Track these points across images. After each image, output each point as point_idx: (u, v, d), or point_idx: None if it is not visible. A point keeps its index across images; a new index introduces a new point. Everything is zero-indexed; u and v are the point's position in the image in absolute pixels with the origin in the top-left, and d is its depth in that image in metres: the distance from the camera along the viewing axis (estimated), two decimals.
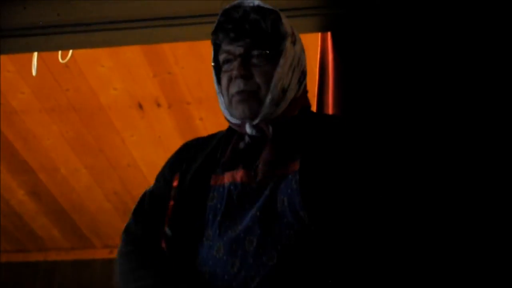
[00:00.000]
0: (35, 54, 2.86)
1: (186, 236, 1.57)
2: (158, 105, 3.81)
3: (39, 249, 4.89)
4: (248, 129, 1.60)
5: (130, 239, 1.65)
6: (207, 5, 2.21)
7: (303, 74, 1.66)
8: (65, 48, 2.67)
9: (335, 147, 1.57)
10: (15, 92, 3.80)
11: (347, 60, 2.12)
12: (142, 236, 1.63)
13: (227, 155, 1.60)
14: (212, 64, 1.66)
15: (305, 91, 1.69)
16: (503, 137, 1.98)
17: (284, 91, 1.59)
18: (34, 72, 2.85)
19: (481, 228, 1.90)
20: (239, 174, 1.57)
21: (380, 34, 2.10)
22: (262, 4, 1.60)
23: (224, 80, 1.62)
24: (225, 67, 1.62)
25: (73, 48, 2.68)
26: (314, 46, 2.25)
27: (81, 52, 3.36)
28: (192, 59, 3.53)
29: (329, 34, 2.18)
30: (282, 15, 1.62)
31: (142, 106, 3.83)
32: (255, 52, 1.58)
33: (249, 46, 1.58)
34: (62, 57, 2.85)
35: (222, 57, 1.62)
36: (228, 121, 1.66)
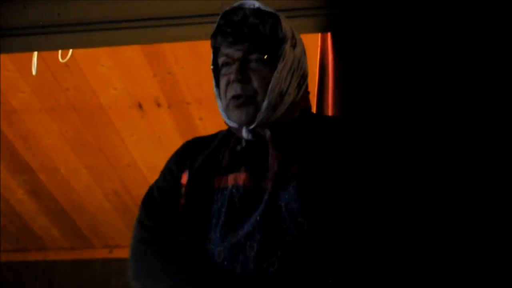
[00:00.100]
0: (35, 53, 2.87)
1: (195, 238, 1.56)
2: (158, 105, 3.81)
3: (38, 248, 4.89)
4: (244, 133, 1.60)
5: (148, 235, 1.61)
6: (207, 5, 2.21)
7: (303, 77, 1.64)
8: (65, 47, 2.67)
9: (334, 151, 1.56)
10: (15, 92, 3.80)
11: (347, 60, 2.12)
12: (160, 231, 1.60)
13: (227, 158, 1.60)
14: (212, 67, 1.65)
15: (306, 92, 1.68)
16: (503, 139, 1.97)
17: (282, 95, 1.58)
18: (34, 72, 2.85)
19: (482, 236, 1.90)
20: (242, 177, 1.56)
21: (380, 34, 2.10)
22: (262, 7, 1.60)
23: (222, 84, 1.61)
24: (223, 71, 1.61)
25: (73, 47, 2.68)
26: (314, 46, 2.25)
27: (81, 51, 3.37)
28: (192, 59, 3.53)
29: (329, 34, 2.18)
30: (282, 18, 1.61)
31: (142, 106, 3.83)
32: (254, 56, 1.57)
33: (248, 50, 1.57)
34: (62, 56, 2.85)
35: (221, 60, 1.62)
36: (227, 124, 1.65)
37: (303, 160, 1.54)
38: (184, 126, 3.89)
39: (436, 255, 1.87)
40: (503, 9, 2.04)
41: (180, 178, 1.65)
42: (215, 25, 1.61)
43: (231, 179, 1.58)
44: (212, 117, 3.76)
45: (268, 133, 1.58)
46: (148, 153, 4.05)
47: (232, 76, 1.57)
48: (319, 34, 2.24)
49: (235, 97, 1.57)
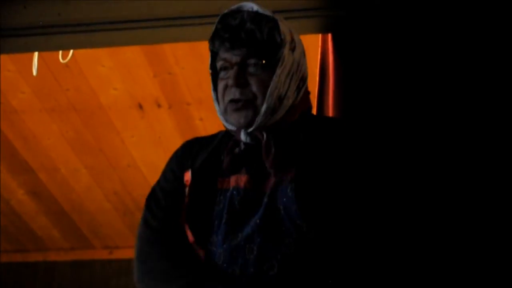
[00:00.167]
0: (36, 53, 2.87)
1: (198, 239, 1.56)
2: (158, 105, 3.81)
3: (38, 249, 4.89)
4: (242, 136, 1.60)
5: (153, 235, 1.60)
6: (207, 5, 2.21)
7: (303, 80, 1.63)
8: (65, 48, 2.67)
9: (332, 153, 1.55)
10: (16, 92, 3.80)
11: (348, 61, 2.12)
12: (165, 232, 1.60)
13: (226, 160, 1.60)
14: (210, 71, 1.65)
15: (307, 93, 1.67)
16: (504, 141, 1.97)
17: (280, 99, 1.57)
18: (34, 72, 2.85)
19: (482, 237, 1.90)
20: (242, 179, 1.56)
21: (380, 35, 2.10)
22: (260, 10, 1.58)
23: (220, 87, 1.60)
24: (221, 75, 1.60)
25: (74, 48, 2.68)
26: (315, 47, 2.25)
27: (82, 52, 3.36)
28: (192, 60, 3.53)
29: (329, 35, 2.18)
30: (281, 21, 1.60)
31: (142, 106, 3.83)
32: (252, 61, 1.57)
33: (246, 55, 1.56)
34: (63, 57, 2.85)
35: (219, 64, 1.61)
36: (225, 127, 1.65)
37: (301, 163, 1.53)
38: (184, 127, 3.89)
39: (435, 256, 1.86)
40: (503, 9, 2.04)
41: (182, 178, 1.64)
42: (213, 29, 1.61)
43: (233, 180, 1.57)
44: (212, 117, 3.76)
45: (265, 137, 1.57)
46: (148, 153, 4.05)
47: (230, 81, 1.57)
48: (320, 35, 2.24)
49: (233, 101, 1.57)
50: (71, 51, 2.81)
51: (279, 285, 1.45)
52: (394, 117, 2.04)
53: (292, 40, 1.61)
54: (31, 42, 2.39)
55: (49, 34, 2.35)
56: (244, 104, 1.56)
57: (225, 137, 1.67)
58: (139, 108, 3.83)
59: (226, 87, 1.58)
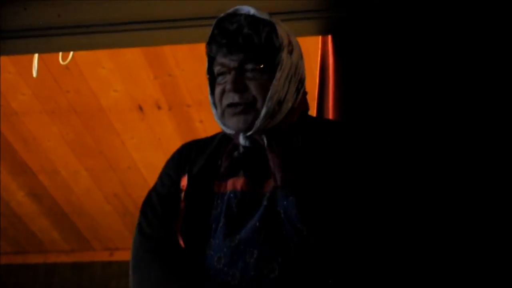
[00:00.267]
0: (36, 55, 2.87)
1: (195, 244, 1.56)
2: (159, 107, 3.81)
3: (38, 251, 4.89)
4: (241, 140, 1.59)
5: (147, 243, 1.60)
6: (208, 7, 2.21)
7: (301, 82, 1.62)
8: (65, 49, 2.67)
9: (333, 156, 1.55)
10: (16, 94, 3.80)
11: (348, 63, 2.12)
12: (160, 240, 1.59)
13: (225, 163, 1.59)
14: (207, 76, 1.63)
15: (304, 93, 1.67)
16: (504, 142, 1.97)
17: (280, 103, 1.56)
18: (34, 74, 2.85)
19: (481, 240, 1.90)
20: (240, 182, 1.56)
21: (380, 37, 2.09)
22: (257, 14, 1.57)
23: (217, 92, 1.59)
24: (219, 79, 1.59)
25: (74, 49, 2.68)
26: (315, 49, 2.25)
27: (82, 54, 3.37)
28: (192, 62, 3.53)
29: (329, 37, 2.18)
30: (278, 24, 1.58)
31: (143, 108, 3.83)
32: (249, 66, 1.55)
33: (243, 60, 1.55)
34: (63, 58, 2.85)
35: (216, 69, 1.59)
36: (224, 130, 1.64)
37: (301, 166, 1.53)
38: (184, 129, 3.89)
39: (435, 261, 1.86)
40: (503, 9, 2.04)
41: (179, 182, 1.63)
42: (209, 33, 1.59)
43: (230, 184, 1.57)
44: (212, 119, 3.69)
45: (265, 140, 1.57)
46: (148, 155, 4.05)
47: (228, 86, 1.55)
48: (320, 37, 2.24)
49: (232, 105, 1.56)
50: (71, 53, 2.81)
51: None
52: (394, 119, 2.04)
53: (290, 43, 1.60)
54: (31, 44, 2.39)
55: (49, 36, 2.35)
56: (244, 108, 1.55)
57: (223, 139, 1.66)
58: (139, 110, 3.83)
59: (223, 91, 1.57)
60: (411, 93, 2.05)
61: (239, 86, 1.55)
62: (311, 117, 1.71)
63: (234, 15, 1.57)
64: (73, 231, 4.70)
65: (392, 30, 2.09)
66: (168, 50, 3.50)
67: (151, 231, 1.61)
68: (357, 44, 2.12)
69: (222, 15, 1.58)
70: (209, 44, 1.60)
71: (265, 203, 1.51)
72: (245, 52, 1.55)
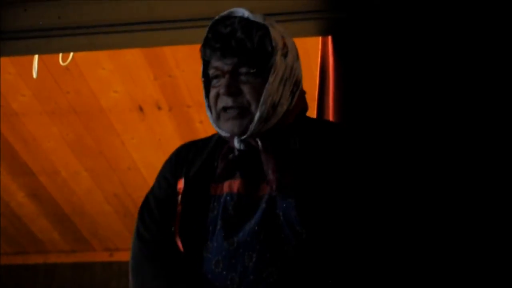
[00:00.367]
0: (36, 56, 2.87)
1: (192, 247, 1.55)
2: (159, 108, 3.81)
3: (39, 251, 4.89)
4: (236, 143, 1.59)
5: (145, 248, 1.60)
6: (208, 8, 2.21)
7: (297, 84, 1.61)
8: (65, 50, 2.67)
9: (331, 158, 1.54)
10: (16, 95, 3.80)
11: (348, 63, 2.12)
12: (157, 244, 1.60)
13: (220, 166, 1.59)
14: (202, 79, 1.63)
15: (302, 93, 1.66)
16: (504, 144, 1.97)
17: (274, 106, 1.55)
18: (34, 75, 2.85)
19: (481, 241, 1.90)
20: (236, 184, 1.55)
21: (380, 38, 2.10)
22: (251, 17, 1.56)
23: (212, 95, 1.58)
24: (213, 83, 1.59)
25: (74, 50, 2.68)
26: (315, 49, 2.25)
27: (82, 54, 3.37)
28: (192, 62, 3.53)
29: (329, 38, 2.18)
30: (272, 27, 1.57)
31: (143, 108, 3.83)
32: (243, 70, 1.55)
33: (237, 64, 1.55)
34: (63, 59, 2.85)
35: (211, 72, 1.59)
36: (219, 133, 1.63)
37: (299, 168, 1.53)
38: (184, 129, 3.89)
39: (435, 263, 1.86)
40: (503, 10, 2.04)
41: (176, 185, 1.63)
42: (204, 37, 1.59)
43: (226, 186, 1.57)
44: None
45: (260, 143, 1.56)
46: (149, 155, 4.05)
47: (221, 89, 1.55)
48: (320, 38, 2.24)
49: (226, 108, 1.56)
50: (71, 53, 2.81)
51: None
52: (394, 120, 2.04)
53: (285, 45, 1.59)
54: (31, 45, 2.39)
55: (49, 36, 2.35)
56: (239, 112, 1.55)
57: (220, 140, 1.66)
58: (139, 110, 3.83)
59: (218, 95, 1.57)
60: (411, 94, 2.05)
61: (232, 90, 1.54)
62: (309, 118, 1.70)
63: (228, 18, 1.57)
64: (73, 232, 4.70)
65: (392, 31, 2.09)
66: (168, 51, 3.50)
67: (149, 235, 1.61)
68: (357, 45, 2.12)
69: (216, 17, 1.58)
70: (203, 47, 1.60)
71: (263, 205, 1.51)
72: (238, 56, 1.54)
